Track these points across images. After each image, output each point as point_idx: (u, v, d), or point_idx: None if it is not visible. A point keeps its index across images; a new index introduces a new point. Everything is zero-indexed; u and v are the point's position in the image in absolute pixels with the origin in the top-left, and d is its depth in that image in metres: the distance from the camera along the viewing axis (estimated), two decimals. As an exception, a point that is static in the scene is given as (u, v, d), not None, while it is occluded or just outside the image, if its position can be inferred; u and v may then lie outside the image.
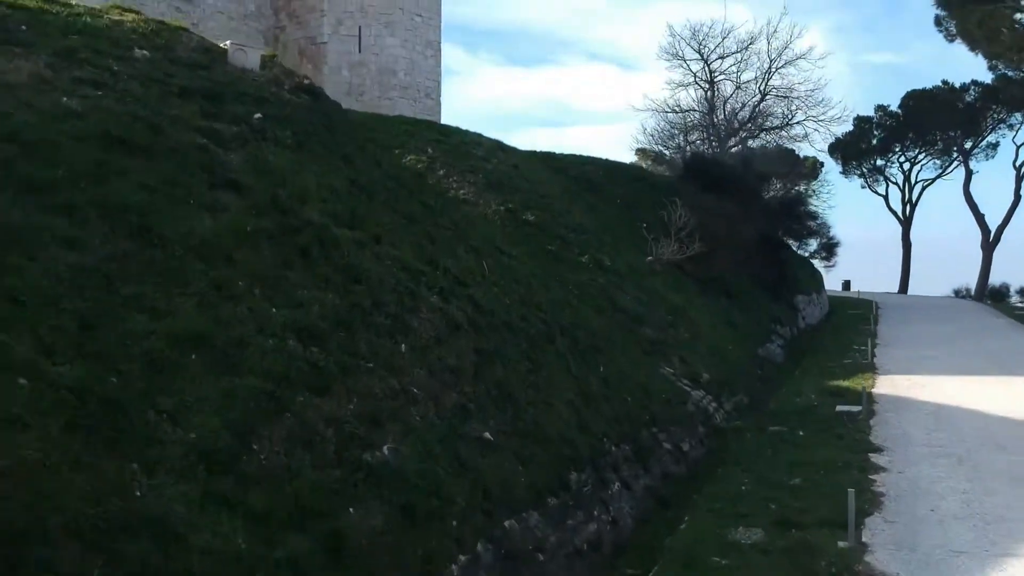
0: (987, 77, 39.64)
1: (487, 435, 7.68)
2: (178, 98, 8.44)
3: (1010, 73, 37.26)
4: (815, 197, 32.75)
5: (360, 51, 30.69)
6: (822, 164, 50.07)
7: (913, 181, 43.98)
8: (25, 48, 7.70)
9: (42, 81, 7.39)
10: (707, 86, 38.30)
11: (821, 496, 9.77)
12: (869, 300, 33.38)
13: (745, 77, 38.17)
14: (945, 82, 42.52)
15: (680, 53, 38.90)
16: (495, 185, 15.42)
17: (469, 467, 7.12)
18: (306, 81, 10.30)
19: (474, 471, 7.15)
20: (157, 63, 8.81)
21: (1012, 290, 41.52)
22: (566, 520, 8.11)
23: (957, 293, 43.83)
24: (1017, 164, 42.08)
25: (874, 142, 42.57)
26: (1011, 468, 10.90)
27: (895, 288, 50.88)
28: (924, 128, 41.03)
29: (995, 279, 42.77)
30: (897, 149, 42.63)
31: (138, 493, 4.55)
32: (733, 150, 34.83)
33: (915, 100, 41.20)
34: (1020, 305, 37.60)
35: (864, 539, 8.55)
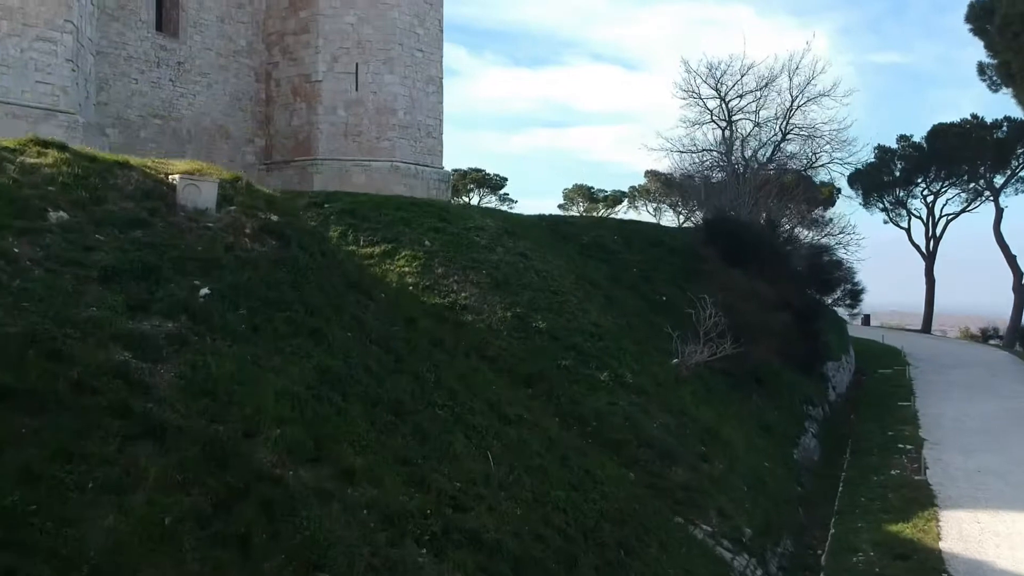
0: (1016, 112, 37.58)
1: None
2: (99, 285, 6.65)
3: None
4: (841, 245, 30.94)
5: (357, 89, 28.85)
6: (839, 190, 48.21)
7: (937, 215, 42.11)
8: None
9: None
10: (724, 124, 36.56)
11: None
12: (896, 348, 31.47)
13: (764, 114, 36.51)
14: (974, 116, 40.56)
15: (696, 90, 37.27)
16: (501, 283, 13.60)
17: None
18: (273, 218, 8.45)
19: None
20: (76, 231, 7.01)
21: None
22: None
23: (985, 335, 41.85)
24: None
25: (896, 173, 40.61)
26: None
27: (913, 305, 49.25)
28: (951, 162, 39.06)
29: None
30: (921, 182, 40.66)
31: None
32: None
33: (942, 133, 39.18)
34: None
35: None
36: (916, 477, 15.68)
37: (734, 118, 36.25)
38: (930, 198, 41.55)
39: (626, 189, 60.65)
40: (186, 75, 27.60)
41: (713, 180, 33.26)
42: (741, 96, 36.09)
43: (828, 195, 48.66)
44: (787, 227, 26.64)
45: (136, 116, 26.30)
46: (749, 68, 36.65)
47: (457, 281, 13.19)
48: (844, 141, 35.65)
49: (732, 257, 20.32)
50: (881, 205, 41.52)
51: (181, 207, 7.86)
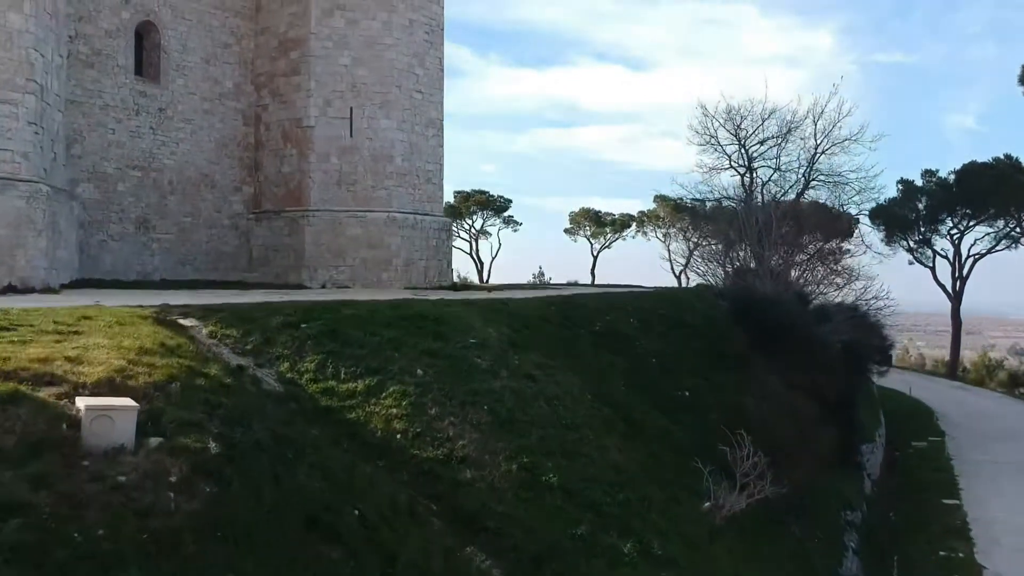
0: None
1: None
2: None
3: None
4: (873, 308, 28.91)
5: (351, 135, 26.97)
6: (857, 220, 46.27)
7: (964, 255, 40.08)
8: None
9: None
10: (744, 171, 34.77)
11: None
12: (926, 408, 29.52)
13: (786, 158, 34.79)
14: (1008, 156, 38.57)
15: (713, 134, 35.58)
16: (505, 421, 11.68)
17: None
18: (212, 447, 6.43)
19: None
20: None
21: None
22: None
23: (1016, 383, 39.57)
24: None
25: (920, 207, 38.66)
26: None
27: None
28: (981, 202, 37.10)
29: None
30: (947, 220, 38.71)
31: None
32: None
33: (973, 173, 37.22)
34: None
35: None
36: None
37: (754, 165, 34.57)
38: (956, 235, 39.66)
39: (634, 212, 58.77)
40: (168, 122, 25.76)
41: (731, 236, 31.49)
42: (762, 142, 34.47)
43: (847, 227, 46.75)
44: (814, 287, 24.79)
45: (113, 169, 24.47)
46: (771, 113, 34.91)
47: (454, 423, 11.24)
48: (872, 189, 33.91)
49: (761, 340, 18.49)
50: (905, 244, 39.62)
51: (88, 451, 5.98)
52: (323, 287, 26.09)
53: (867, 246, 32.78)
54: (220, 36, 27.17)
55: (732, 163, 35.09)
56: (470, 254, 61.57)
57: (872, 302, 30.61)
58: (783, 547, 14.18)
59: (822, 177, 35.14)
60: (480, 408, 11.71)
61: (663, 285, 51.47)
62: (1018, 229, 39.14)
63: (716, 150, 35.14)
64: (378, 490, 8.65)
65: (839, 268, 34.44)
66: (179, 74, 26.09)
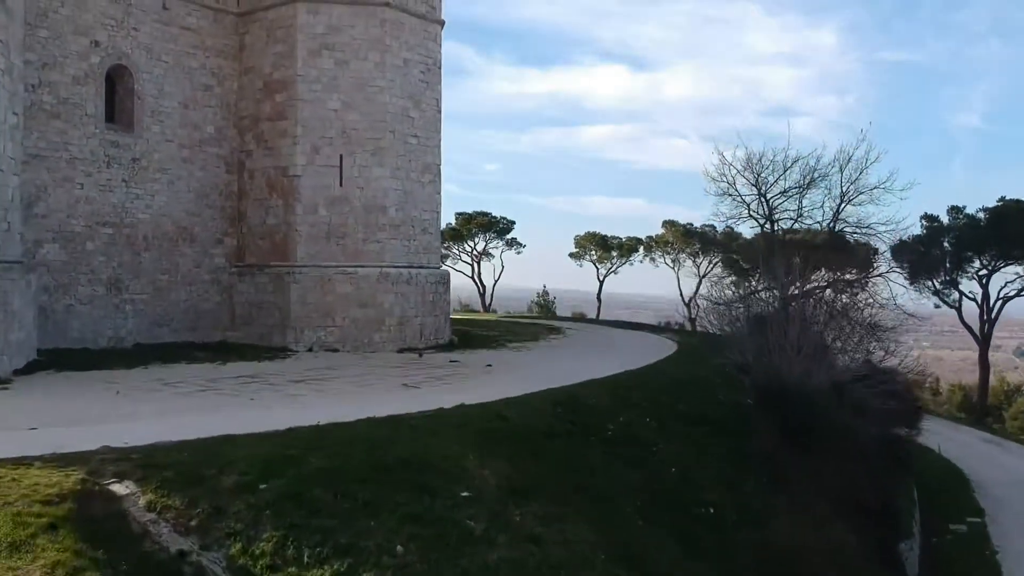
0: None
1: None
2: None
3: None
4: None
5: (341, 184, 25.04)
6: (875, 250, 44.23)
7: (994, 297, 37.89)
8: None
9: None
10: (764, 221, 32.83)
11: None
12: (960, 473, 27.40)
13: (807, 202, 32.92)
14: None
15: (731, 182, 33.77)
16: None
17: None
18: None
19: None
20: None
21: None
22: None
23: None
24: None
25: (946, 244, 36.53)
26: None
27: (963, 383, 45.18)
28: (1015, 242, 34.94)
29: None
30: (975, 261, 36.58)
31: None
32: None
33: (1007, 210, 35.12)
34: None
35: None
36: None
37: (776, 216, 32.74)
38: (984, 276, 37.39)
39: (642, 237, 56.66)
40: (142, 173, 23.84)
41: (757, 294, 29.56)
42: (784, 192, 32.66)
43: (864, 258, 44.74)
44: (843, 354, 22.85)
45: (82, 227, 22.56)
46: (794, 162, 33.02)
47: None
48: (901, 243, 31.94)
49: (791, 434, 16.56)
50: (931, 286, 37.55)
51: None
52: (310, 350, 24.18)
53: (896, 303, 30.74)
54: (200, 78, 25.24)
55: (751, 213, 33.36)
56: (472, 277, 59.67)
57: (904, 363, 28.76)
58: None
59: (848, 229, 33.28)
60: (474, 592, 9.75)
61: (676, 322, 49.52)
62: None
63: (735, 200, 33.45)
64: None
65: (863, 317, 32.40)
66: (155, 120, 24.17)
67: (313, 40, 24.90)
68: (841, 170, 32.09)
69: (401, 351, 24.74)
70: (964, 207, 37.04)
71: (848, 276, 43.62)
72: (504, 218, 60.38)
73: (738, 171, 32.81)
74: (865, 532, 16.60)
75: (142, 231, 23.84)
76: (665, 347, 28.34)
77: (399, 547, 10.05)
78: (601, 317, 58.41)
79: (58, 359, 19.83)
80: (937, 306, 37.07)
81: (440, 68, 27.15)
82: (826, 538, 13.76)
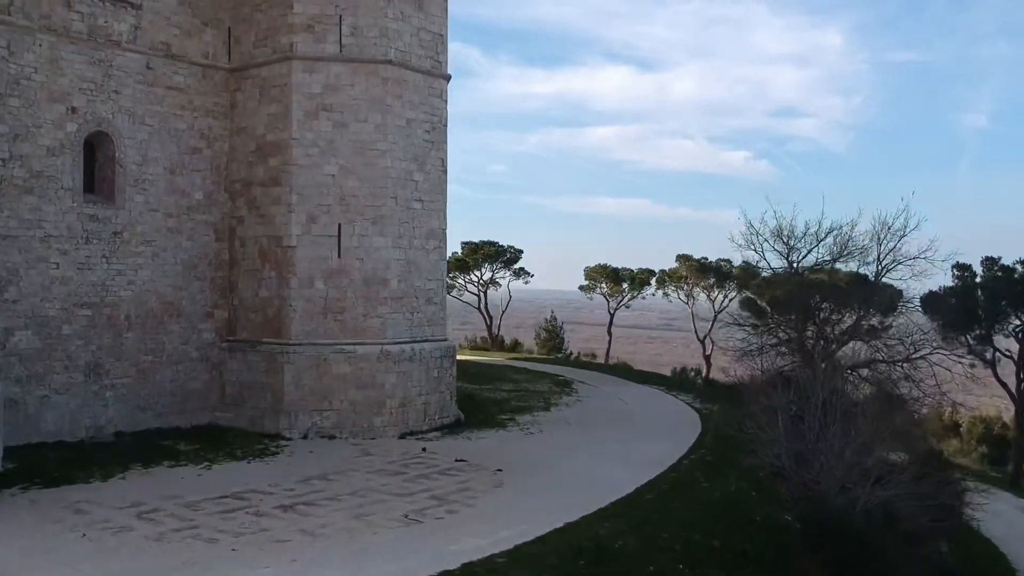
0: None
1: None
2: None
3: None
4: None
5: (340, 256, 23.25)
6: (900, 292, 42.40)
7: (1031, 352, 35.92)
8: None
9: None
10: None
11: None
12: (1003, 558, 25.47)
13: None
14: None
15: (759, 249, 32.11)
16: None
17: None
18: None
19: None
20: None
21: None
22: None
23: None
24: None
25: (980, 295, 34.52)
26: None
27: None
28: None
29: None
30: (1013, 318, 34.55)
31: None
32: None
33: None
34: None
35: None
36: None
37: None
38: (1021, 332, 35.36)
39: (656, 269, 54.79)
40: (125, 247, 22.11)
41: (787, 370, 27.75)
42: (818, 264, 30.90)
43: (890, 300, 42.87)
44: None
45: (57, 309, 20.83)
46: (828, 233, 31.34)
47: None
48: (935, 292, 30.10)
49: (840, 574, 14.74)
50: (964, 341, 35.58)
51: None
52: (305, 437, 22.42)
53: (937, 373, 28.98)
54: (188, 140, 23.48)
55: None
56: (478, 308, 57.95)
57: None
58: None
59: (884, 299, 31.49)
60: None
61: (691, 369, 47.69)
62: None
63: (763, 269, 31.80)
64: None
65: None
66: (138, 190, 22.42)
67: (309, 100, 23.10)
68: (879, 242, 30.26)
69: (403, 436, 22.96)
70: (999, 258, 35.15)
71: (873, 324, 41.74)
72: (511, 247, 58.72)
73: (767, 241, 31.12)
74: None
75: (124, 310, 22.09)
76: (686, 422, 26.51)
77: None
78: (613, 340, 56.67)
79: (28, 467, 18.10)
80: (972, 365, 35.17)
81: (446, 125, 25.34)
82: None
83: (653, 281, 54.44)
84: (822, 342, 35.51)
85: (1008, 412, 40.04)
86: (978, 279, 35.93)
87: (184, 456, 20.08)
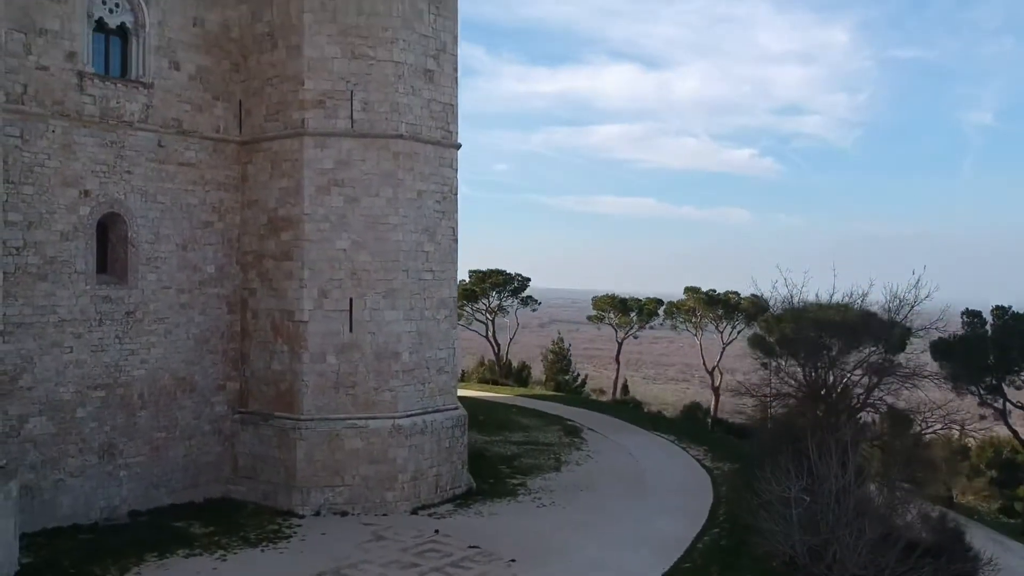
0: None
1: None
2: None
3: None
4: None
5: (351, 330, 23.28)
6: (909, 330, 42.33)
7: (1041, 404, 35.83)
8: None
9: None
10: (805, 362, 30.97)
11: None
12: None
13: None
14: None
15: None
16: None
17: None
18: None
19: None
20: None
21: None
22: None
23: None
24: None
25: (991, 348, 34.25)
26: None
27: None
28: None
29: None
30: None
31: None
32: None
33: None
34: None
35: None
36: None
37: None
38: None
39: (663, 300, 54.69)
40: (138, 326, 22.18)
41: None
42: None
43: (899, 339, 42.78)
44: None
45: (72, 393, 20.92)
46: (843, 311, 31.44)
47: None
48: (945, 339, 30.06)
49: None
50: (975, 391, 35.55)
51: None
52: (317, 513, 22.51)
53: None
54: (200, 214, 23.55)
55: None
56: (486, 336, 57.95)
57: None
58: None
59: (892, 371, 31.52)
60: None
61: (700, 409, 47.58)
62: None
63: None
64: None
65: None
66: (151, 268, 22.50)
67: (321, 176, 23.14)
68: (891, 315, 30.30)
69: (416, 511, 23.02)
70: (1009, 307, 34.97)
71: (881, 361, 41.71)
72: (519, 275, 58.70)
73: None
74: None
75: (137, 389, 22.17)
76: (698, 488, 26.52)
77: None
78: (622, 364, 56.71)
79: (44, 562, 18.23)
80: (983, 416, 35.10)
81: (456, 194, 25.36)
82: None
83: (661, 311, 54.29)
84: (833, 419, 35.62)
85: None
86: (988, 324, 35.75)
87: (199, 542, 20.14)
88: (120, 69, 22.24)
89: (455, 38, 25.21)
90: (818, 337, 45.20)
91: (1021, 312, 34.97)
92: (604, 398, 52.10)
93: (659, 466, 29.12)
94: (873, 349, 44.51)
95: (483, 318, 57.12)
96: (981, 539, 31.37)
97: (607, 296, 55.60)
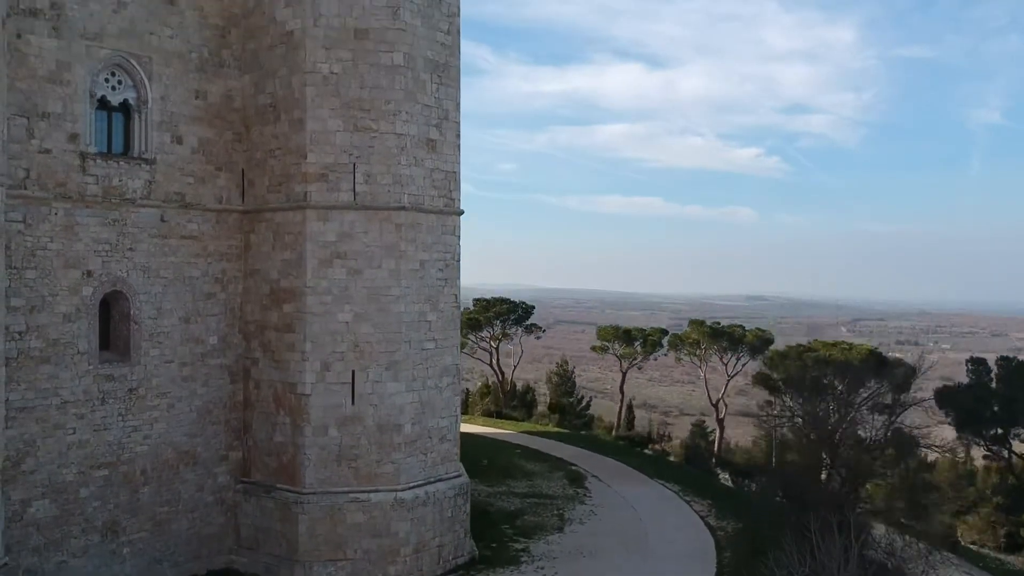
0: None
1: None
2: None
3: None
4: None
5: (353, 403, 23.26)
6: (914, 370, 42.27)
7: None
8: None
9: None
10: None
11: None
12: None
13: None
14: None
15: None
16: None
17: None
18: None
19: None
20: None
21: None
22: None
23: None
24: None
25: (997, 396, 34.09)
26: None
27: None
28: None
29: None
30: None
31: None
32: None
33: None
34: None
35: None
36: None
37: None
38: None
39: (667, 328, 54.69)
40: (140, 402, 22.22)
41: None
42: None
43: (904, 378, 42.71)
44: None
45: (75, 474, 20.96)
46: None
47: None
48: (951, 386, 30.12)
49: None
50: (980, 442, 35.40)
51: None
52: (320, 588, 22.46)
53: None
54: (202, 286, 23.56)
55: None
56: (490, 364, 57.94)
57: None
58: None
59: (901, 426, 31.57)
60: None
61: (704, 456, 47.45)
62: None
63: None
64: None
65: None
66: (153, 344, 22.52)
67: (324, 249, 23.12)
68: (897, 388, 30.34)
69: (418, 586, 23.00)
70: (1014, 359, 34.83)
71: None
72: (523, 303, 58.79)
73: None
74: None
75: (140, 465, 22.20)
76: (703, 552, 26.43)
77: None
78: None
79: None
80: (986, 456, 34.97)
81: (458, 260, 25.34)
82: None
83: (665, 342, 54.24)
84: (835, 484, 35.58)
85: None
86: (992, 373, 35.69)
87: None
88: (123, 145, 22.26)
89: (457, 105, 25.18)
90: (823, 376, 45.08)
91: (1025, 361, 34.86)
92: (608, 417, 52.16)
93: (662, 526, 29.03)
94: (879, 387, 44.37)
95: (487, 346, 57.16)
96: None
97: (611, 327, 55.58)
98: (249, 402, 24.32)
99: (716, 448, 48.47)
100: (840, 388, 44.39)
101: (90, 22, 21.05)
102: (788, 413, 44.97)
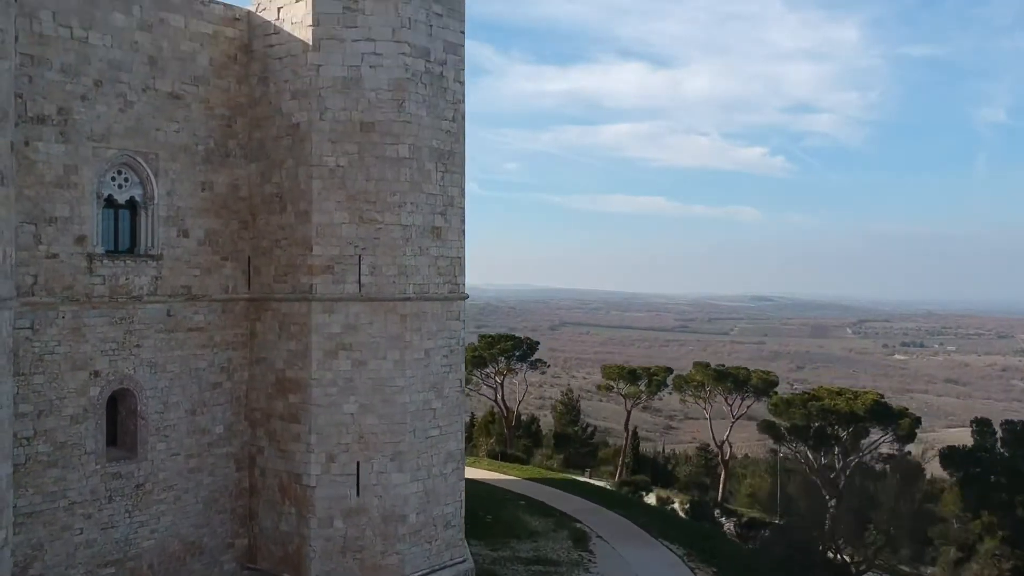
0: None
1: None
2: None
3: None
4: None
5: (358, 494, 23.35)
6: (918, 420, 42.39)
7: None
8: None
9: None
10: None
11: None
12: None
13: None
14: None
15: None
16: None
17: None
18: None
19: None
20: None
21: None
22: None
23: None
24: None
25: (1001, 461, 33.98)
26: None
27: None
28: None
29: None
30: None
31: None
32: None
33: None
34: None
35: None
36: None
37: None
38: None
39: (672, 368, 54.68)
40: (147, 497, 22.31)
41: None
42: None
43: (908, 429, 42.71)
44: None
45: (82, 574, 21.02)
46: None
47: None
48: (956, 448, 30.06)
49: None
50: (987, 507, 35.26)
51: None
52: None
53: None
54: (208, 376, 23.66)
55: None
56: (495, 401, 58.02)
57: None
58: None
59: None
60: None
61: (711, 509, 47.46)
62: None
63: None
64: None
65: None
66: (160, 438, 22.62)
67: (329, 340, 23.20)
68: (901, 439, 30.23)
69: (422, 676, 23.08)
70: (1018, 423, 34.72)
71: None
72: (528, 339, 58.88)
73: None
74: None
75: (147, 560, 22.30)
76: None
77: None
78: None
79: None
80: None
81: (463, 345, 25.44)
82: None
83: (669, 380, 54.26)
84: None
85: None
86: (997, 436, 35.60)
87: None
88: (129, 241, 22.35)
89: (462, 191, 25.26)
90: (828, 425, 44.97)
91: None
92: (614, 440, 52.09)
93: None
94: (884, 436, 44.27)
95: (492, 383, 57.23)
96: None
97: (616, 366, 55.62)
98: (255, 489, 24.41)
99: (720, 493, 48.49)
100: (844, 437, 44.30)
101: (97, 124, 21.13)
102: (793, 461, 44.90)
